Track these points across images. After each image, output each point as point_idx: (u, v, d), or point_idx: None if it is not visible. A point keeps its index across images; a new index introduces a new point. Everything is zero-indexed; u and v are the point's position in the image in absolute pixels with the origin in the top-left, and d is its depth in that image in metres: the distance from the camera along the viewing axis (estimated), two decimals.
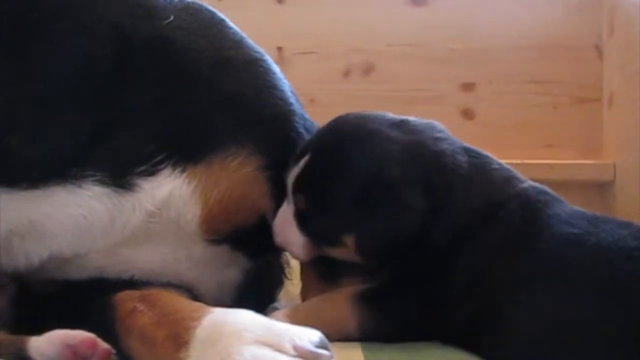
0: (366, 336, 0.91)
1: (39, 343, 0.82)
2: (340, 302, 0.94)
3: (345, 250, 0.94)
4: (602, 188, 1.97)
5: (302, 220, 0.96)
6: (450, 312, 0.89)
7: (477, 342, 0.87)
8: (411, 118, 0.99)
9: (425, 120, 0.99)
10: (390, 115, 1.00)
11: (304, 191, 0.96)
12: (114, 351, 0.82)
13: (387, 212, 0.89)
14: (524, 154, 1.97)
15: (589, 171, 1.95)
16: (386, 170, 0.90)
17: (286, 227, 0.98)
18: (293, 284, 1.27)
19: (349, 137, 0.96)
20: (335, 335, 0.84)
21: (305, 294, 1.09)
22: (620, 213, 1.84)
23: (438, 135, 0.96)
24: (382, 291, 0.94)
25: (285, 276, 1.24)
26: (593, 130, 2.02)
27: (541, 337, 0.81)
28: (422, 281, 0.91)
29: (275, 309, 1.23)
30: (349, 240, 0.93)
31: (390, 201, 0.89)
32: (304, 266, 1.09)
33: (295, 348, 0.73)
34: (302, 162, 0.95)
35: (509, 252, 0.87)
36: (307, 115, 1.12)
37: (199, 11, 1.05)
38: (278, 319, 0.85)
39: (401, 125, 0.96)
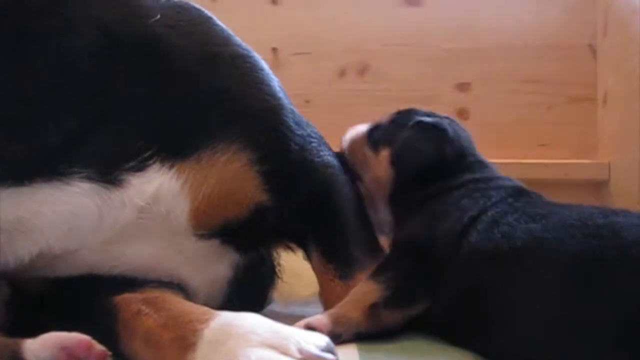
0: (385, 300, 0.96)
1: (34, 345, 0.82)
2: (364, 282, 0.99)
3: (376, 161, 1.17)
4: (597, 187, 1.97)
5: (372, 130, 1.22)
6: (437, 276, 0.95)
7: (461, 319, 0.92)
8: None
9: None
10: None
11: (396, 114, 1.21)
12: (109, 353, 0.82)
13: (418, 142, 1.12)
14: (519, 154, 1.97)
15: (584, 170, 1.95)
16: (451, 131, 1.14)
17: (360, 127, 1.24)
18: (288, 284, 1.27)
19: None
20: (368, 307, 0.95)
21: (324, 295, 1.09)
22: None
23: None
24: (387, 260, 1.03)
25: (278, 275, 1.25)
26: (588, 129, 2.02)
27: (509, 313, 0.84)
28: (415, 246, 1.01)
29: (272, 310, 1.24)
30: (384, 151, 1.16)
31: (426, 137, 1.12)
32: (317, 269, 1.10)
33: (301, 351, 0.74)
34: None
35: (487, 224, 0.93)
36: (297, 110, 1.12)
37: (186, 9, 1.06)
38: (319, 319, 0.92)
39: None
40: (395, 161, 1.14)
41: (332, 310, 0.97)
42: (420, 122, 1.14)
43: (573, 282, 0.78)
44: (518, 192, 1.01)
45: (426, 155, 1.10)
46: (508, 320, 0.84)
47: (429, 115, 1.18)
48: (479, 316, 0.88)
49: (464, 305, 0.91)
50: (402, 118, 1.18)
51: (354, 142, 1.21)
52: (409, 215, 1.07)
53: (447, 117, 1.19)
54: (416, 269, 0.97)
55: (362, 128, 1.23)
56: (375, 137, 1.20)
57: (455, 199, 1.02)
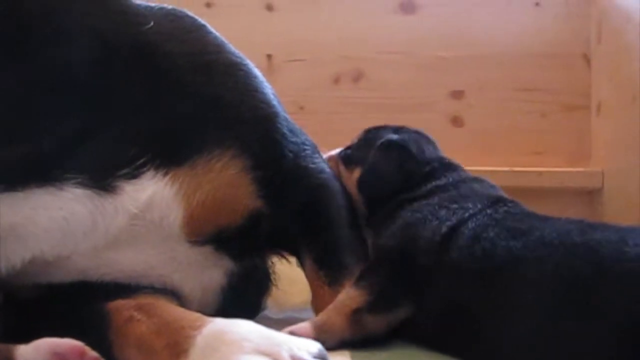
0: (368, 305, 0.95)
1: (26, 351, 0.82)
2: (347, 288, 0.99)
3: (349, 181, 1.18)
4: (590, 195, 1.97)
5: (348, 147, 1.23)
6: (419, 283, 0.95)
7: (444, 332, 0.92)
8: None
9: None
10: None
11: (365, 132, 1.22)
12: (102, 359, 0.82)
13: (391, 166, 1.12)
14: (513, 162, 1.98)
15: (578, 178, 1.96)
16: (415, 147, 1.14)
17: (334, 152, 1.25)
18: (282, 291, 1.27)
19: (416, 131, 1.21)
20: (351, 312, 0.95)
21: (315, 302, 1.09)
22: (608, 220, 1.84)
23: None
24: (368, 266, 1.02)
25: (272, 282, 1.25)
26: (581, 137, 2.03)
27: (492, 329, 0.84)
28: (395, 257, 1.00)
29: (266, 316, 1.24)
30: (356, 172, 1.16)
31: (387, 159, 1.13)
32: (309, 276, 1.09)
33: (293, 358, 0.74)
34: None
35: (471, 244, 0.92)
36: (291, 118, 1.12)
37: (180, 17, 1.06)
38: (303, 328, 0.92)
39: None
40: (361, 187, 1.15)
41: (316, 318, 0.97)
42: (382, 143, 1.14)
43: (553, 301, 0.78)
44: (495, 201, 1.00)
45: (388, 178, 1.11)
46: (491, 336, 0.84)
47: (397, 131, 1.18)
48: (463, 329, 0.88)
49: (448, 318, 0.91)
50: (371, 138, 1.19)
51: (330, 160, 1.22)
52: (385, 224, 1.06)
53: (416, 132, 1.19)
54: (397, 274, 0.97)
55: (335, 152, 1.25)
56: (347, 155, 1.21)
57: (430, 207, 1.02)
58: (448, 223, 0.96)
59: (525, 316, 0.81)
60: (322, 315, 0.97)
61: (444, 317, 0.91)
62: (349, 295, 0.97)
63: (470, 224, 0.94)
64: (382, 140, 1.15)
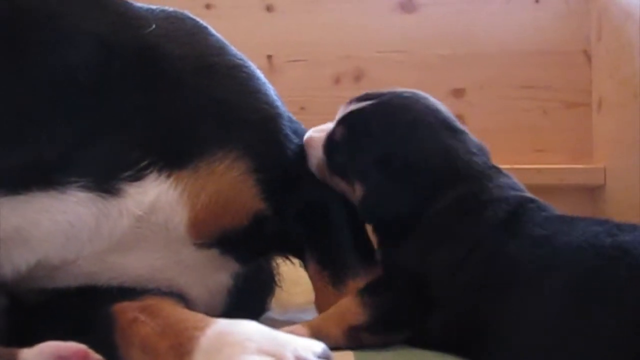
0: (367, 325, 0.94)
1: (30, 355, 0.82)
2: (351, 298, 0.97)
3: (353, 193, 1.06)
4: (592, 192, 1.97)
5: (330, 145, 1.08)
6: (427, 306, 0.93)
7: (458, 342, 0.90)
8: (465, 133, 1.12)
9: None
10: (448, 116, 1.15)
11: (349, 127, 1.08)
12: None
13: (397, 186, 1.01)
14: (515, 159, 1.97)
15: (580, 175, 1.96)
16: (418, 156, 1.01)
17: (315, 140, 1.10)
18: (285, 292, 1.27)
19: (407, 109, 1.12)
20: (348, 327, 0.93)
21: (318, 302, 1.09)
22: (610, 217, 1.84)
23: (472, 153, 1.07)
24: (377, 282, 1.00)
25: (276, 283, 1.25)
26: (583, 134, 2.03)
27: (513, 339, 0.82)
28: (407, 271, 0.97)
29: (270, 317, 1.24)
30: (359, 188, 1.04)
31: (405, 179, 1.00)
32: (312, 276, 1.09)
33: (298, 358, 0.74)
34: (362, 104, 1.10)
35: (486, 254, 0.90)
36: (294, 118, 1.12)
37: (181, 20, 1.06)
38: (298, 330, 0.90)
39: (452, 131, 1.11)
40: (364, 215, 1.06)
41: (314, 322, 0.96)
42: (380, 161, 1.01)
43: (586, 305, 0.76)
44: (517, 209, 0.94)
45: (395, 202, 1.01)
46: (515, 348, 0.82)
47: (386, 117, 1.06)
48: (478, 343, 0.86)
49: (460, 334, 0.89)
50: (358, 133, 1.05)
51: (319, 168, 1.10)
52: (397, 240, 1.01)
53: (411, 93, 1.11)
54: (405, 300, 0.95)
55: (318, 142, 1.09)
56: (337, 163, 1.07)
57: (447, 223, 0.96)
58: (465, 244, 0.92)
59: (555, 321, 0.78)
60: (321, 321, 0.96)
61: (456, 333, 0.90)
62: (350, 309, 0.95)
63: (488, 241, 0.91)
64: (378, 155, 1.02)
